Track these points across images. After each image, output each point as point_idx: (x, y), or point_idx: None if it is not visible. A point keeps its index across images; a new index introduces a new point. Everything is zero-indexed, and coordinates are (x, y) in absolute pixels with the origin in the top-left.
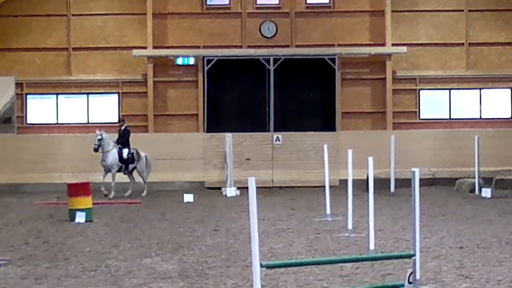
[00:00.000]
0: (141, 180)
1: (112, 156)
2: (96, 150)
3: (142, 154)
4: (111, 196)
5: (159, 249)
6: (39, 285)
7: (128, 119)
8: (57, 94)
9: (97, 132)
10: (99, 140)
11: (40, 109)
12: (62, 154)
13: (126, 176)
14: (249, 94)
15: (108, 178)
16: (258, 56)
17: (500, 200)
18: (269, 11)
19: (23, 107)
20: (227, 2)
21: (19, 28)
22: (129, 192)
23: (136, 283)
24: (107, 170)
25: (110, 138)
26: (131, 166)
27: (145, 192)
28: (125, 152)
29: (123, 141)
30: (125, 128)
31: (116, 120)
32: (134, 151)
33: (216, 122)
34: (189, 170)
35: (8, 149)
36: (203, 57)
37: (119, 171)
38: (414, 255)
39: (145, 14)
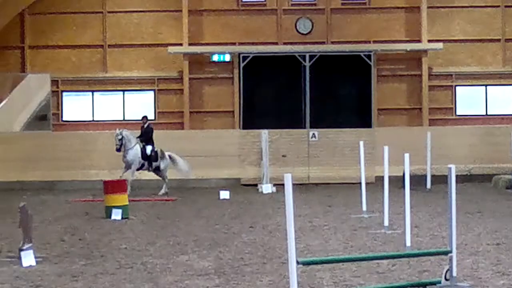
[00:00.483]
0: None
1: (134, 152)
2: (118, 150)
3: (167, 154)
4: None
5: (195, 246)
6: (75, 282)
7: (164, 116)
8: (92, 91)
9: (117, 131)
10: (119, 139)
11: (76, 106)
12: (98, 151)
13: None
14: (284, 91)
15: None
16: (293, 52)
17: None
18: (304, 8)
19: (58, 104)
20: None
21: (55, 25)
22: (163, 190)
23: (172, 280)
24: (128, 166)
25: (132, 135)
26: (154, 164)
27: (163, 191)
28: (149, 149)
29: (146, 138)
30: (148, 126)
31: (153, 117)
32: (158, 150)
33: (252, 119)
34: (225, 167)
35: (44, 147)
36: (239, 54)
37: (140, 168)
38: (450, 252)
39: (181, 11)
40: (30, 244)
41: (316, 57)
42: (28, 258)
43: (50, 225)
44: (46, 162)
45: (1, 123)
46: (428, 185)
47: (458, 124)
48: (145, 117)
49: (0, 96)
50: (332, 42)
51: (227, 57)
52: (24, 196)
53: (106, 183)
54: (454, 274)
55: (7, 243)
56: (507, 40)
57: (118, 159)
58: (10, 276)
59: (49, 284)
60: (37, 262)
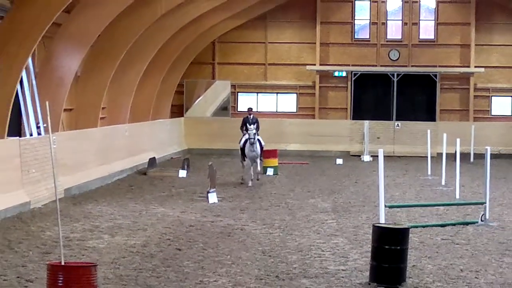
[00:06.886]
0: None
1: (259, 144)
2: (253, 143)
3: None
4: (250, 184)
5: (320, 193)
6: (242, 213)
7: (302, 110)
8: (257, 92)
9: (253, 129)
10: (254, 134)
11: (245, 102)
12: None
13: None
14: (380, 97)
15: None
16: (386, 72)
17: None
18: (394, 43)
19: (235, 100)
20: (368, 36)
21: (234, 50)
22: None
23: (304, 214)
24: (253, 160)
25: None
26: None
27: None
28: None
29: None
30: (253, 117)
31: (295, 110)
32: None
33: (359, 114)
34: (340, 143)
35: (224, 127)
36: (351, 72)
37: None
38: (485, 202)
39: (315, 43)
40: (214, 189)
41: (401, 75)
42: (213, 198)
43: (227, 177)
44: (226, 137)
45: (199, 111)
46: (471, 160)
47: (492, 121)
48: (250, 109)
49: (198, 94)
50: (412, 66)
51: (344, 74)
52: (211, 158)
53: (264, 151)
54: (487, 217)
55: (199, 188)
56: None
57: (274, 134)
58: (201, 209)
59: (225, 214)
60: (218, 200)
